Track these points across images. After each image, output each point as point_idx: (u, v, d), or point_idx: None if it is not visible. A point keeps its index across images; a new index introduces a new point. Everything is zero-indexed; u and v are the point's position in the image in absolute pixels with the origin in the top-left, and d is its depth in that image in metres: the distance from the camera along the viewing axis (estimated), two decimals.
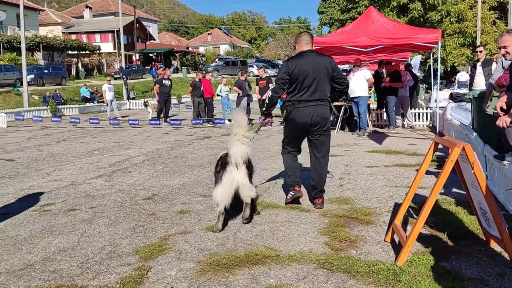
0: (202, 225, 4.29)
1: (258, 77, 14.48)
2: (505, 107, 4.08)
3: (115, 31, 46.21)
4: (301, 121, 4.57)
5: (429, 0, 31.16)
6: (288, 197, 4.88)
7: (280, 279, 3.03)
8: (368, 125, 11.24)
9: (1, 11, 35.31)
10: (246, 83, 14.62)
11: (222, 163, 4.30)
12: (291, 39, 59.44)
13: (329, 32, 38.04)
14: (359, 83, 10.56)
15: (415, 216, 4.32)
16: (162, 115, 15.92)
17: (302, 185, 4.97)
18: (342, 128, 11.95)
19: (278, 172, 6.66)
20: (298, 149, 4.90)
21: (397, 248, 3.51)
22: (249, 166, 4.32)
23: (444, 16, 31.20)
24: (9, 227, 4.41)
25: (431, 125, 12.49)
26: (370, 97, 11.68)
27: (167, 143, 10.66)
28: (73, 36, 44.04)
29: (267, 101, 4.97)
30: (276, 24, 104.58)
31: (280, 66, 5.41)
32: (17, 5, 25.75)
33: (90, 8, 53.24)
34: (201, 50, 65.04)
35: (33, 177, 6.89)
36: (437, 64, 13.72)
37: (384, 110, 11.90)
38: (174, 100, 25.29)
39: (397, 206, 4.61)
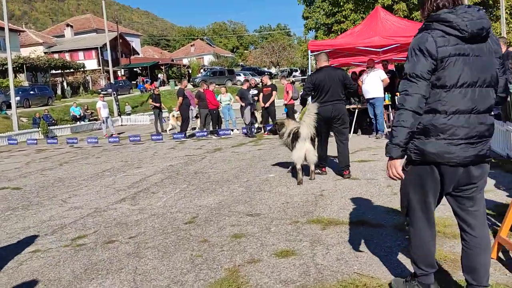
0: (269, 250, 3.80)
1: (263, 84, 14.06)
2: None
3: (99, 48, 45.55)
4: (324, 114, 6.35)
5: (414, 0, 31.31)
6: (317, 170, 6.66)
7: None
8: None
9: None
10: (249, 92, 14.19)
11: (295, 136, 6.37)
12: (276, 46, 59.50)
13: (316, 37, 38.04)
14: (374, 84, 10.21)
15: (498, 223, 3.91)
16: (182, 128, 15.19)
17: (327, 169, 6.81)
18: (355, 132, 11.56)
19: (321, 185, 6.22)
20: (326, 134, 6.68)
21: (510, 265, 3.08)
22: (312, 140, 6.34)
23: None
24: (47, 268, 3.86)
25: None
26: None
27: (178, 158, 10.12)
28: (56, 55, 43.11)
29: (300, 101, 7.16)
30: (256, 32, 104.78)
31: (306, 77, 7.38)
32: None
33: (71, 26, 52.38)
34: (185, 61, 64.54)
35: (49, 206, 6.31)
36: None
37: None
38: (165, 113, 24.47)
39: None
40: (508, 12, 30.33)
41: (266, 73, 19.75)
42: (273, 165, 8.00)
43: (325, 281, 3.11)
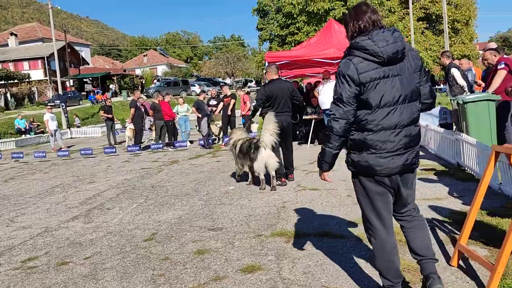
0: (234, 266, 3.71)
1: (224, 95, 14.00)
2: None
3: (45, 58, 43.67)
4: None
5: None
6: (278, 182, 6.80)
7: None
8: None
9: None
10: (205, 104, 14.06)
11: (256, 146, 6.62)
12: (231, 57, 59.69)
13: (270, 48, 38.56)
14: (330, 95, 10.36)
15: (456, 232, 4.05)
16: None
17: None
18: (311, 142, 11.72)
19: (283, 197, 6.21)
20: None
21: (472, 273, 3.18)
22: (274, 148, 6.58)
23: None
24: None
25: None
26: None
27: (133, 172, 9.80)
28: None
29: (251, 112, 7.86)
30: (211, 43, 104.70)
31: (258, 89, 7.77)
32: None
33: (16, 35, 49.92)
34: (138, 72, 63.23)
35: None
36: None
37: None
38: (118, 125, 23.65)
39: (437, 223, 4.32)
40: (450, 26, 32.16)
41: (225, 84, 19.70)
42: (232, 177, 7.92)
43: None
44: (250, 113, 9.00)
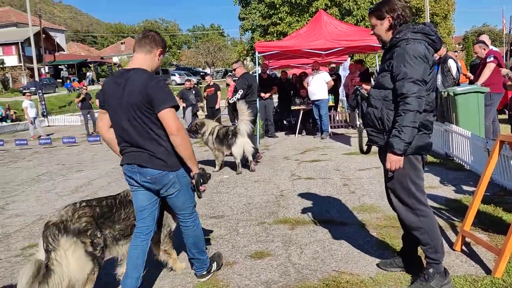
0: (242, 252, 3.75)
1: (206, 85, 13.86)
2: None
3: (19, 43, 42.35)
4: (254, 112, 7.84)
5: (345, 6, 32.77)
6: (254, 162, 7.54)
7: None
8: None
9: None
10: (192, 92, 13.91)
11: (234, 133, 7.14)
12: (211, 47, 59.12)
13: (252, 38, 38.41)
14: (319, 86, 10.49)
15: (455, 219, 4.19)
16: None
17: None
18: (299, 132, 11.81)
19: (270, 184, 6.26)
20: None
21: (475, 257, 3.31)
22: (251, 136, 7.22)
23: (359, 21, 32.93)
24: (1, 280, 3.50)
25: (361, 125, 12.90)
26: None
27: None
28: None
29: (237, 99, 7.95)
30: (190, 32, 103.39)
31: (238, 80, 8.31)
32: None
33: None
34: (115, 60, 62.02)
35: None
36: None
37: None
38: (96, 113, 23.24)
39: (434, 210, 4.45)
40: (429, 20, 32.66)
41: (206, 74, 19.47)
42: (225, 166, 7.92)
43: (306, 280, 3.12)
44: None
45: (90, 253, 2.73)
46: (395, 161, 2.72)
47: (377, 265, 3.23)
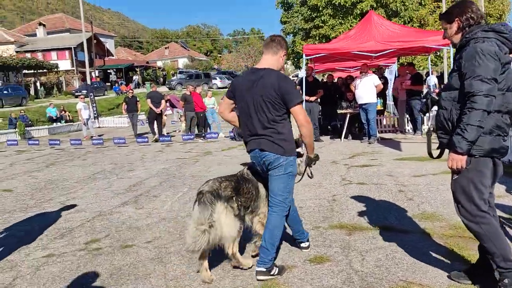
0: (301, 256, 3.71)
1: None
2: None
3: (73, 48, 44.33)
4: None
5: (392, 7, 31.99)
6: None
7: None
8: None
9: None
10: None
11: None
12: (252, 50, 59.54)
13: (293, 41, 38.34)
14: (368, 89, 10.30)
15: None
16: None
17: None
18: (345, 137, 11.63)
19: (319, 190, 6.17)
20: None
21: None
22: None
23: (406, 22, 32.09)
24: (68, 273, 3.66)
25: (433, 128, 12.46)
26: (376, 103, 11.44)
27: (169, 161, 9.88)
28: (28, 55, 41.69)
29: None
30: (230, 36, 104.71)
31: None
32: None
33: (44, 25, 50.73)
34: (159, 64, 63.73)
35: (48, 209, 6.02)
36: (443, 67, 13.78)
37: (407, 115, 11.80)
38: (142, 116, 23.54)
39: (504, 220, 4.24)
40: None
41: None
42: None
43: None
44: None
45: (237, 215, 3.30)
46: (456, 159, 2.67)
47: (448, 276, 3.09)
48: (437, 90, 3.16)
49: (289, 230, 4.24)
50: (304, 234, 3.78)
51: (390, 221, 4.50)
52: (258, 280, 3.24)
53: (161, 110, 14.97)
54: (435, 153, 3.01)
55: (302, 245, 3.79)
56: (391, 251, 3.68)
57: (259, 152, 3.28)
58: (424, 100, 3.12)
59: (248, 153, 3.43)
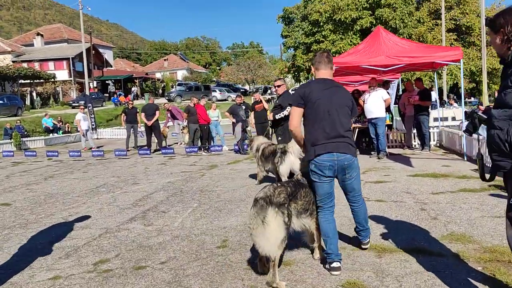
0: (331, 281, 3.44)
1: (254, 101, 13.71)
2: None
3: (70, 58, 44.13)
4: None
5: (391, 24, 32.13)
6: None
7: None
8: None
9: None
10: (242, 108, 13.81)
11: (283, 151, 6.93)
12: (252, 64, 59.63)
13: (294, 55, 38.41)
14: (377, 103, 10.12)
15: None
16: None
17: None
18: None
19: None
20: None
21: None
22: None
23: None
24: None
25: (438, 144, 12.32)
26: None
27: (174, 175, 9.60)
28: (25, 64, 41.41)
29: (284, 115, 7.38)
30: (229, 49, 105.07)
31: (282, 96, 7.89)
32: None
33: (42, 35, 50.59)
34: (158, 75, 63.66)
35: (49, 224, 5.71)
36: (456, 81, 13.64)
37: (415, 130, 11.71)
38: (142, 128, 23.07)
39: None
40: (480, 39, 31.54)
41: (256, 90, 19.41)
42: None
43: None
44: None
45: (285, 222, 3.38)
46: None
47: None
48: (482, 108, 2.93)
49: (302, 254, 3.99)
50: (369, 231, 4.13)
51: (419, 242, 4.24)
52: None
53: (155, 121, 14.74)
54: (487, 176, 2.76)
55: (364, 241, 4.12)
56: (428, 276, 3.42)
57: (338, 154, 3.56)
58: (470, 119, 2.87)
59: (314, 157, 3.59)
